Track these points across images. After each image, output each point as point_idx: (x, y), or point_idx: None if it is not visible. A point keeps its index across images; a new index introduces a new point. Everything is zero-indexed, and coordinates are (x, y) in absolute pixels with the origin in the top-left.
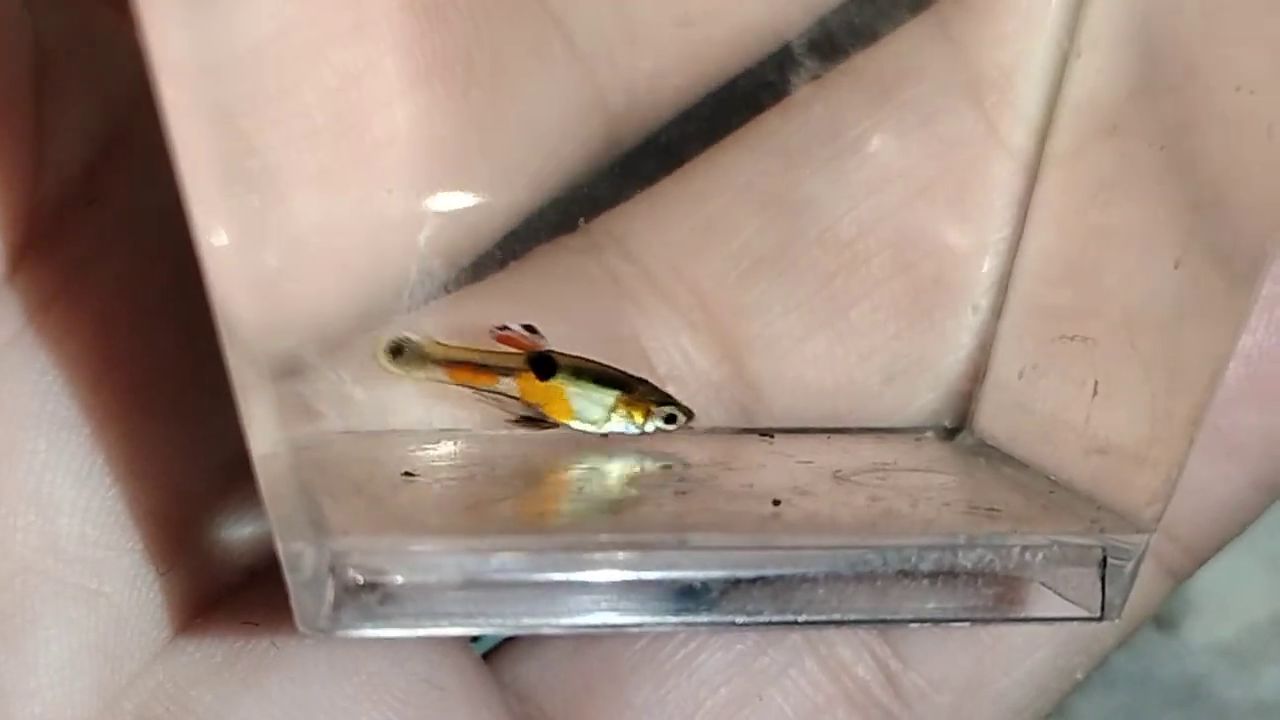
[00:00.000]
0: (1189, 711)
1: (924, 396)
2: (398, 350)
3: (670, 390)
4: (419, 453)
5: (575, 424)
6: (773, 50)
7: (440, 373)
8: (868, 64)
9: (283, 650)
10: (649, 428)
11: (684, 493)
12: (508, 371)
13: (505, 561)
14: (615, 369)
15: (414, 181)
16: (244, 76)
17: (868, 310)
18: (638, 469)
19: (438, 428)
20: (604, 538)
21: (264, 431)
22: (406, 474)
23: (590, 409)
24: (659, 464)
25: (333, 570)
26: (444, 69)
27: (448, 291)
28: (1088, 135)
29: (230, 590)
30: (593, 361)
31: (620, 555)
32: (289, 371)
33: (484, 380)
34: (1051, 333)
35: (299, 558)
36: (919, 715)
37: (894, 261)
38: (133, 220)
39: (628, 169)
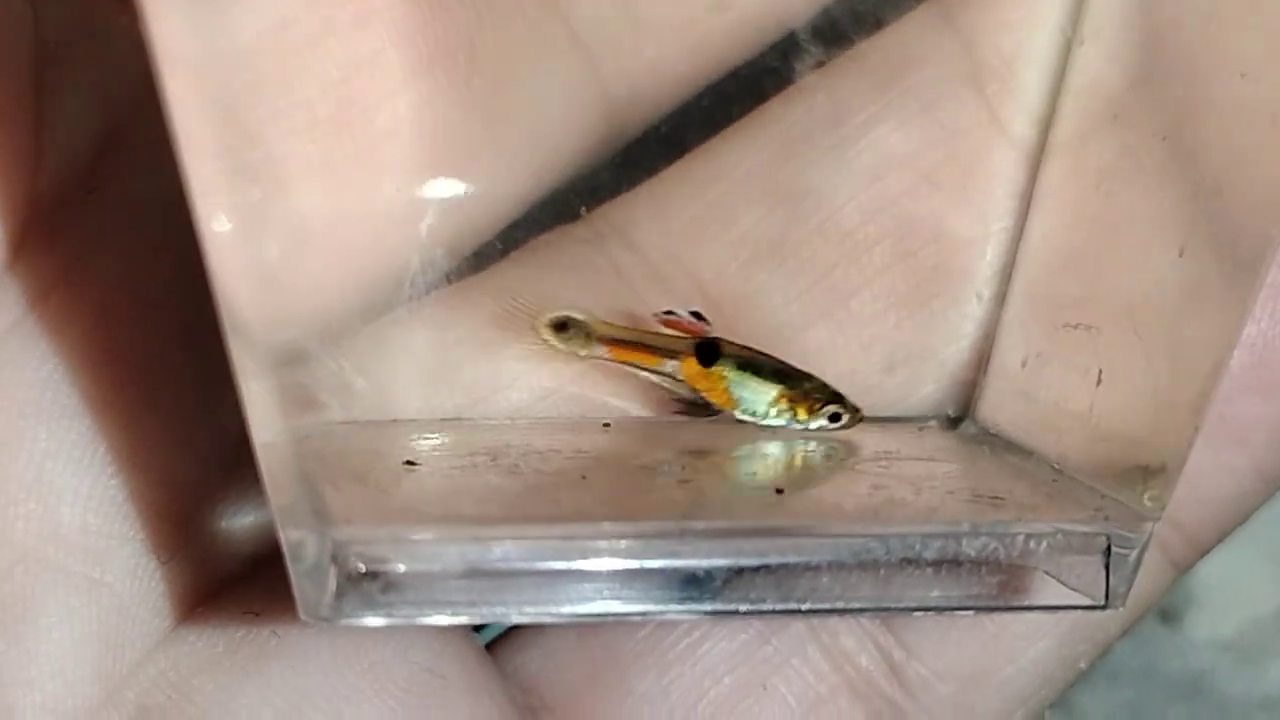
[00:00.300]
0: (1192, 706)
1: (926, 385)
2: (562, 326)
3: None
4: (420, 442)
5: (737, 413)
6: (776, 40)
7: (603, 350)
8: (870, 52)
9: (284, 639)
10: (813, 425)
11: (687, 481)
12: (672, 354)
13: (507, 550)
14: (783, 363)
15: (416, 171)
16: (247, 67)
17: (869, 299)
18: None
19: (439, 417)
20: (607, 526)
21: (266, 421)
22: (408, 463)
23: (752, 400)
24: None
25: (335, 559)
26: (446, 59)
27: (450, 281)
28: (1090, 124)
29: (232, 580)
30: (761, 353)
31: (623, 544)
32: (291, 361)
33: (648, 361)
34: (1055, 321)
35: (301, 546)
36: (922, 705)
37: (895, 250)
38: (133, 210)
39: (629, 158)
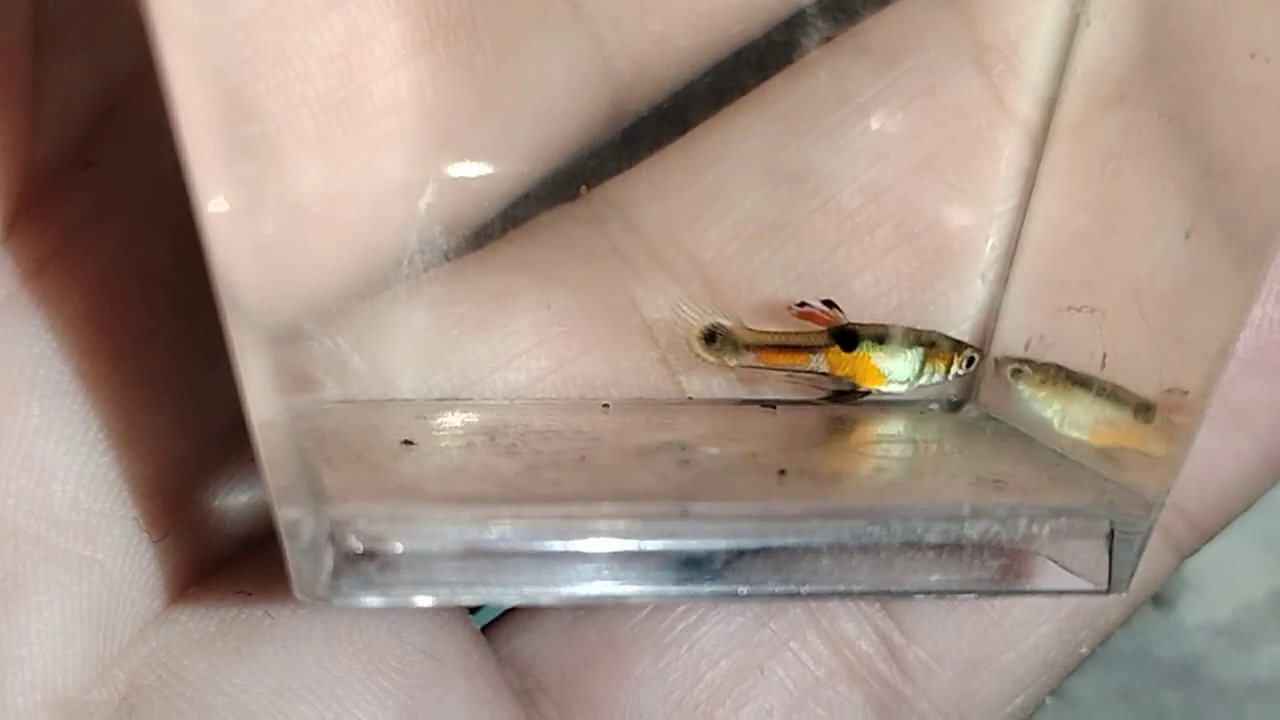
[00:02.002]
0: (1186, 691)
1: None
2: (710, 337)
3: (671, 361)
4: (418, 421)
5: (885, 387)
6: (781, 18)
7: (752, 357)
8: (873, 31)
9: (277, 619)
10: (952, 375)
11: (686, 462)
12: (815, 349)
13: (505, 531)
14: (906, 328)
15: (416, 149)
16: (245, 41)
17: (871, 281)
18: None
19: (437, 397)
20: (606, 507)
21: (262, 399)
22: (406, 442)
23: (900, 369)
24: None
25: (331, 538)
26: (448, 34)
27: (448, 259)
28: (1096, 105)
29: (225, 559)
30: (886, 325)
31: (622, 525)
32: (288, 339)
33: (795, 360)
34: (1059, 304)
35: (297, 525)
36: (922, 689)
37: (898, 232)
38: (131, 184)
39: (629, 136)
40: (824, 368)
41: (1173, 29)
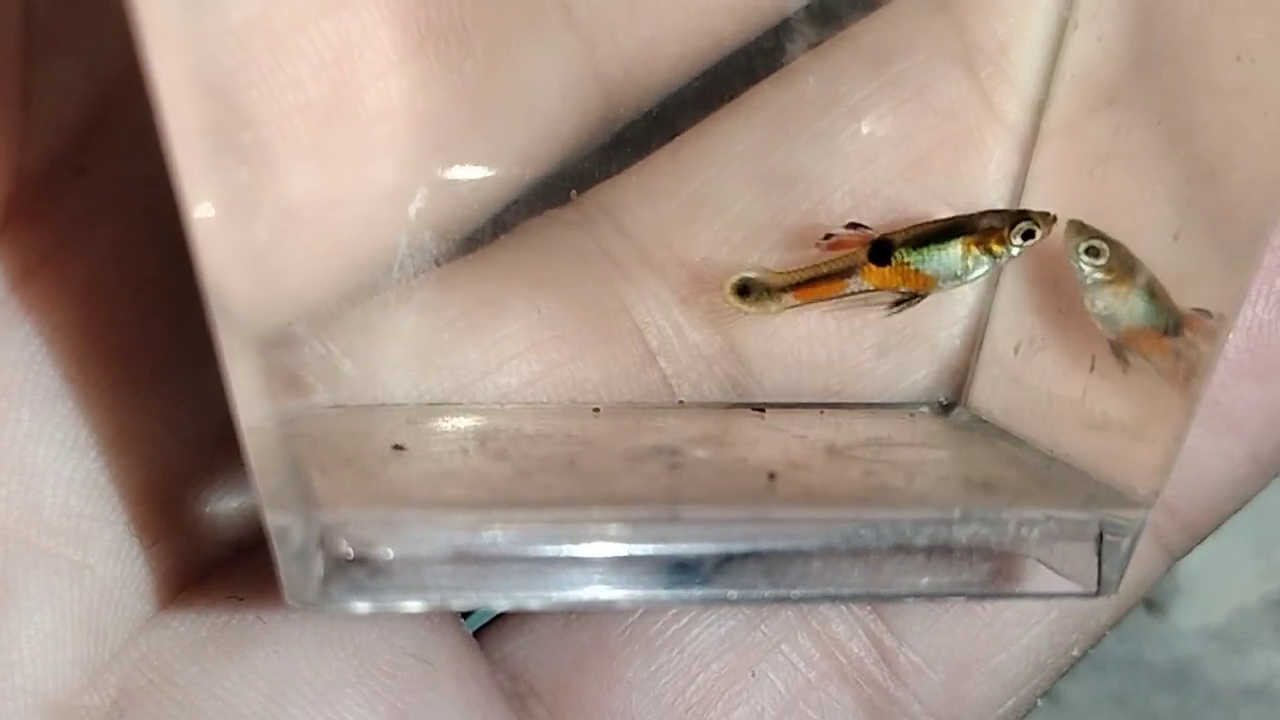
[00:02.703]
0: (1179, 695)
1: (918, 371)
2: (744, 290)
3: (663, 365)
4: (409, 426)
5: (943, 286)
6: (771, 23)
7: (790, 299)
8: (862, 35)
9: (268, 624)
10: (1013, 252)
11: (676, 466)
12: (849, 272)
13: (496, 536)
14: (948, 218)
15: (407, 154)
16: (236, 48)
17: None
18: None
19: (427, 401)
20: (596, 512)
21: (252, 404)
22: (396, 447)
23: (946, 267)
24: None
25: (322, 544)
26: (439, 40)
27: (438, 264)
28: (1085, 108)
29: (216, 564)
30: (925, 223)
31: (613, 530)
32: (277, 344)
33: (833, 289)
34: (1049, 306)
35: (287, 531)
36: (913, 691)
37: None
38: (121, 190)
39: (619, 141)
40: (867, 286)
41: (1160, 32)
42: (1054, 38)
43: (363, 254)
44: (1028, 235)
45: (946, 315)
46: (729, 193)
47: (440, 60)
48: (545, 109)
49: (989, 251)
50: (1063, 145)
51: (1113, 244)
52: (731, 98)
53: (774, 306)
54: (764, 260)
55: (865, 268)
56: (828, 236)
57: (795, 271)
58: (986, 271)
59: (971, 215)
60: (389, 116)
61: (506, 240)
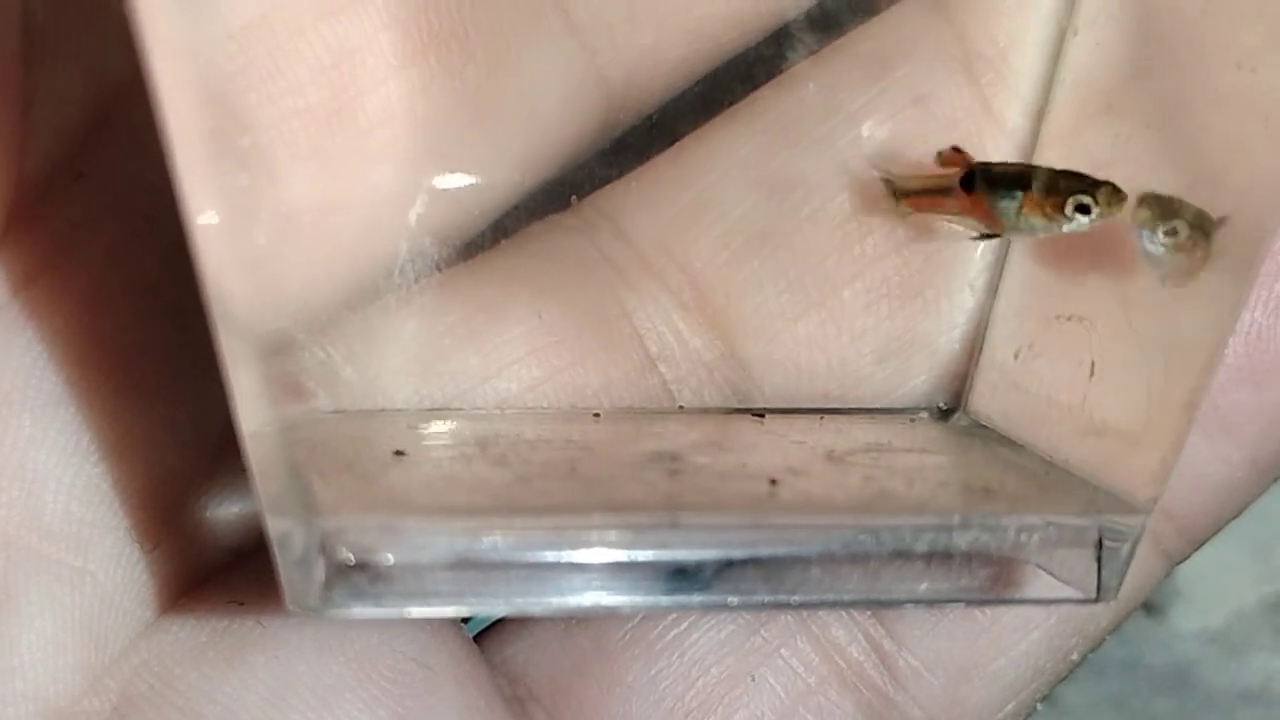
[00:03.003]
0: (1178, 698)
1: (918, 377)
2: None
3: (662, 370)
4: (409, 431)
5: (1010, 234)
6: (772, 28)
7: (905, 206)
8: (862, 41)
9: (268, 628)
10: (1070, 225)
11: (676, 472)
12: (949, 190)
13: (496, 541)
14: (1039, 167)
15: (407, 159)
16: (236, 53)
17: (861, 290)
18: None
19: (428, 407)
20: (596, 518)
21: (253, 410)
22: (397, 452)
23: (1008, 216)
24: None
25: (323, 549)
26: (439, 45)
27: (439, 270)
28: (1084, 114)
29: (216, 569)
30: (1015, 165)
31: (613, 535)
32: (278, 349)
33: (937, 204)
34: (1048, 313)
35: (288, 537)
36: (913, 696)
37: (887, 240)
38: (121, 195)
39: (620, 146)
40: (958, 210)
41: (1159, 39)
42: (1053, 44)
43: (363, 259)
44: (1082, 209)
45: (946, 321)
46: (729, 198)
47: (441, 65)
48: (546, 114)
49: (1045, 215)
50: (1062, 152)
51: (1183, 213)
52: (732, 103)
53: (903, 211)
54: (762, 268)
55: (956, 192)
56: (945, 151)
57: (914, 178)
58: (1041, 231)
59: (1058, 172)
60: (389, 122)
61: (507, 246)
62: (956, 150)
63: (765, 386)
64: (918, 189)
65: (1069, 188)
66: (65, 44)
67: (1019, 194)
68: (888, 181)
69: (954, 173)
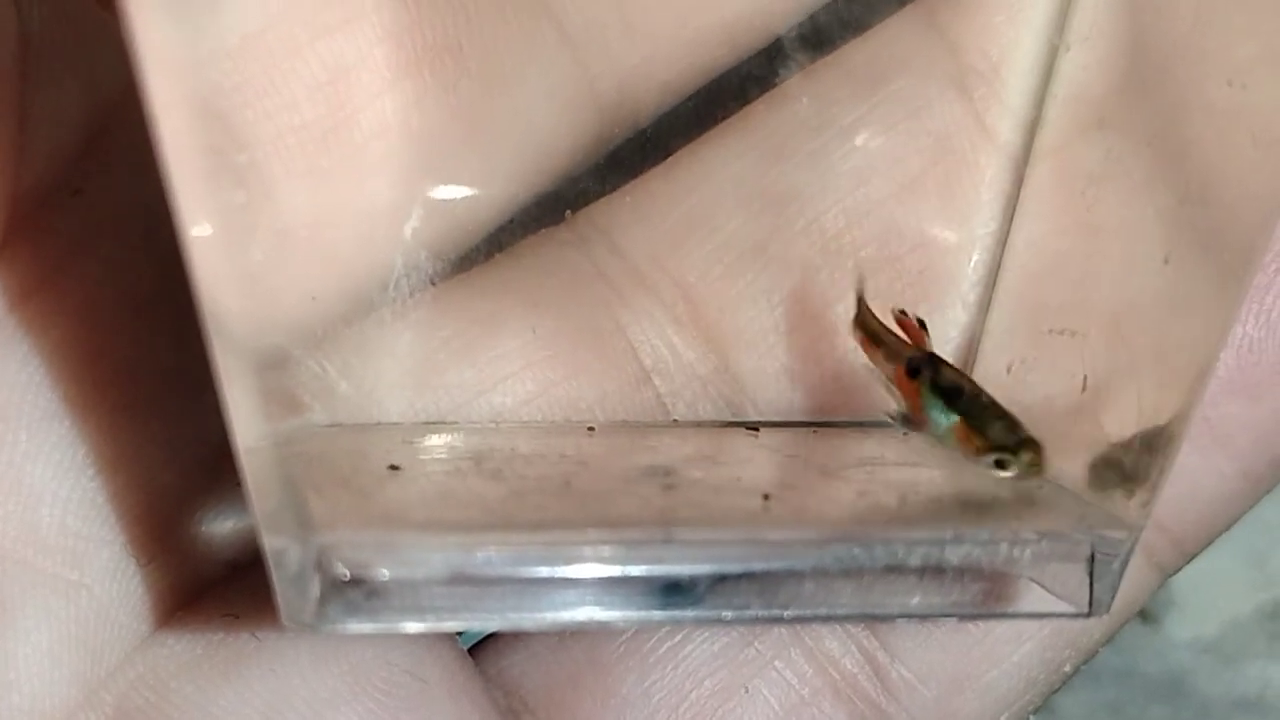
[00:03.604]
0: (1173, 706)
1: None
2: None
3: (656, 384)
4: (404, 445)
5: (929, 433)
6: (766, 43)
7: (860, 335)
8: (855, 55)
9: (264, 642)
10: (981, 465)
11: (671, 487)
12: (894, 359)
13: (491, 556)
14: (983, 396)
15: (402, 174)
16: (231, 69)
17: (854, 304)
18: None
19: (423, 421)
20: (591, 533)
21: (248, 425)
22: (392, 467)
23: (937, 423)
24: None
25: (318, 565)
26: (433, 60)
27: (434, 284)
28: (1076, 129)
29: (212, 584)
30: (966, 381)
31: (607, 550)
32: (274, 364)
33: (880, 360)
34: (1040, 327)
35: (284, 552)
36: (905, 708)
37: (880, 254)
38: (118, 211)
39: (614, 161)
40: (893, 380)
41: (1151, 54)
42: (1046, 59)
43: (358, 274)
44: (998, 465)
45: (939, 335)
46: (722, 213)
47: (435, 80)
48: (540, 128)
49: (967, 446)
50: (1054, 166)
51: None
52: (725, 118)
53: (853, 332)
54: (755, 282)
55: (899, 368)
56: (902, 312)
57: (877, 322)
58: (961, 455)
59: (996, 411)
60: (384, 136)
61: (502, 259)
62: (910, 320)
63: (759, 400)
64: (871, 331)
65: (995, 440)
66: (62, 60)
67: (953, 417)
68: (860, 299)
69: (908, 347)
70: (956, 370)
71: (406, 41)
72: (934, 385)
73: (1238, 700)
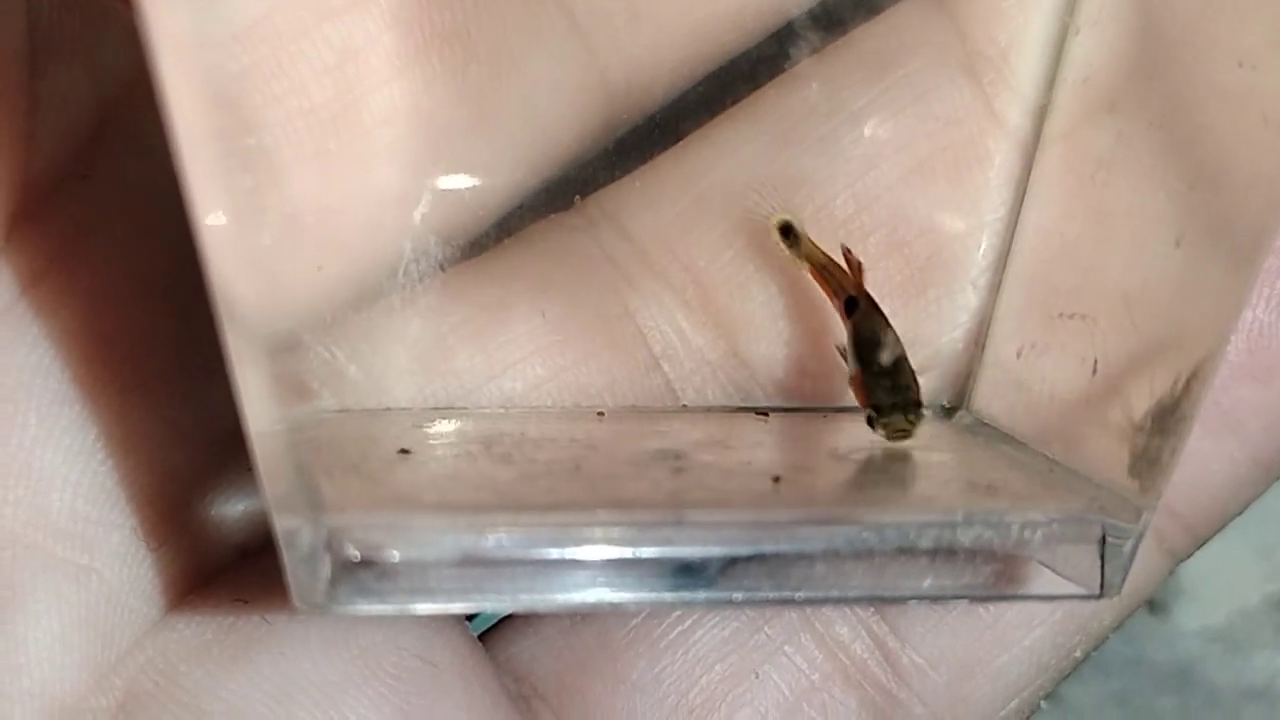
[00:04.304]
0: (1181, 696)
1: (921, 375)
2: (787, 229)
3: (665, 369)
4: (415, 430)
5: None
6: (774, 28)
7: (805, 266)
8: (865, 39)
9: (274, 626)
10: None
11: (681, 470)
12: (840, 292)
13: (501, 539)
14: (895, 351)
15: (411, 159)
16: (242, 53)
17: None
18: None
19: (433, 406)
20: (602, 515)
21: (260, 409)
22: (402, 451)
23: (847, 368)
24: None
25: (329, 547)
26: (443, 45)
27: (443, 269)
28: (1086, 113)
29: (222, 568)
30: (885, 330)
31: (617, 533)
32: (284, 349)
33: (826, 291)
34: (1050, 311)
35: (295, 535)
36: (916, 693)
37: (890, 240)
38: (127, 195)
39: (623, 145)
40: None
41: (1161, 38)
42: (1055, 43)
43: (368, 259)
44: (869, 421)
45: (948, 319)
46: (732, 197)
47: (444, 65)
48: (549, 114)
49: (859, 396)
50: (1064, 151)
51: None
52: (734, 103)
53: (798, 262)
54: (764, 267)
55: (840, 306)
56: (848, 251)
57: (821, 254)
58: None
59: (893, 369)
60: (393, 121)
61: (511, 245)
62: (855, 258)
63: (768, 385)
64: (820, 263)
65: (873, 398)
66: (70, 46)
67: (855, 368)
68: (786, 225)
69: (850, 282)
70: (881, 320)
71: (415, 27)
72: (855, 332)
73: (1246, 689)
